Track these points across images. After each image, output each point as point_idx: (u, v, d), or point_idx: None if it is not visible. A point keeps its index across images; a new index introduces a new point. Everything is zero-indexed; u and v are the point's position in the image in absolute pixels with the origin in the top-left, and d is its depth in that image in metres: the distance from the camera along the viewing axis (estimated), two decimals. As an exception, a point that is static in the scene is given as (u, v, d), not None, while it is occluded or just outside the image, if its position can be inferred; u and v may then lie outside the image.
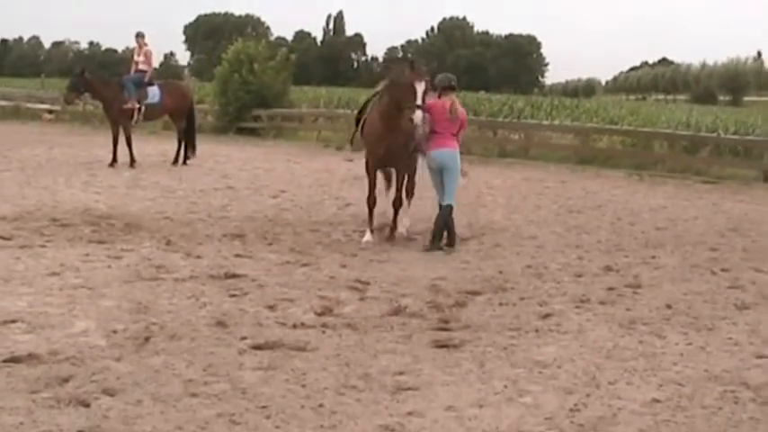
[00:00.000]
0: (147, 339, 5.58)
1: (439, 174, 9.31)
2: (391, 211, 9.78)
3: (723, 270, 8.48)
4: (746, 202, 14.20)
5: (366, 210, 9.60)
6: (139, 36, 17.24)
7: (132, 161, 16.29)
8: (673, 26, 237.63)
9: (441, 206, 9.26)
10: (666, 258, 9.01)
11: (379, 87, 9.75)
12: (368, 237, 9.34)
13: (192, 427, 4.27)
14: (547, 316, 6.54)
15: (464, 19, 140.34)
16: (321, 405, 4.58)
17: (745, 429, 4.49)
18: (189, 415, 4.40)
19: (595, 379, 5.12)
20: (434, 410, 4.56)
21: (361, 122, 9.50)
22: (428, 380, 5.02)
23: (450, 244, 9.17)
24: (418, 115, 8.51)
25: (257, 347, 5.52)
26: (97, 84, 16.90)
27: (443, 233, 9.16)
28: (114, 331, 5.73)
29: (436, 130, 9.13)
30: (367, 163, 9.59)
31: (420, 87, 8.57)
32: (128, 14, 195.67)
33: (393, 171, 9.82)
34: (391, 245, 9.36)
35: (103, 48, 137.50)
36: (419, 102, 8.56)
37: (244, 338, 5.69)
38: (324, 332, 5.92)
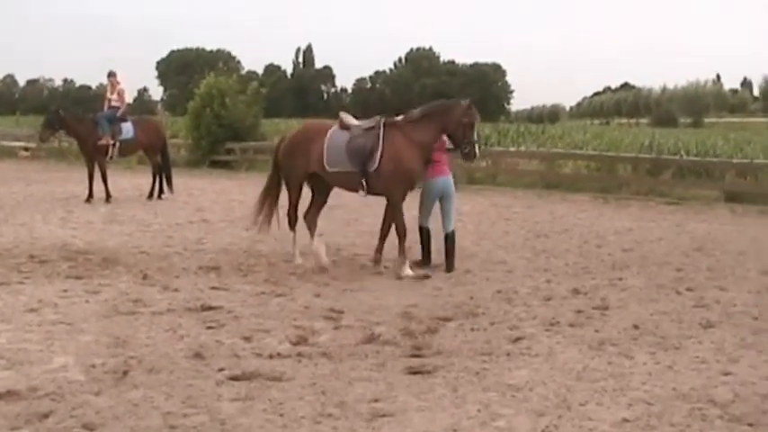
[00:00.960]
0: (125, 373, 5.62)
1: (435, 200, 9.76)
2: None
3: (688, 290, 8.64)
4: (709, 222, 14.50)
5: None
6: (111, 75, 17.35)
7: (108, 196, 16.40)
8: (633, 52, 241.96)
9: (446, 236, 9.76)
10: (633, 279, 9.17)
11: (369, 122, 9.68)
12: (409, 271, 9.34)
13: (172, 460, 4.33)
14: (517, 340, 6.63)
15: (430, 49, 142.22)
16: (299, 434, 4.63)
17: (713, 446, 4.60)
18: (169, 447, 4.46)
19: (566, 401, 5.20)
20: (410, 436, 4.63)
21: (379, 156, 9.34)
22: (402, 406, 5.07)
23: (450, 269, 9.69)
24: (477, 149, 9.48)
25: (234, 378, 5.56)
26: (71, 121, 16.95)
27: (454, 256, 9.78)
28: (93, 366, 5.76)
29: (435, 158, 9.59)
30: (399, 198, 9.52)
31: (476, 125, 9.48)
32: (101, 51, 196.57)
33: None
34: (365, 274, 9.46)
35: (77, 85, 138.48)
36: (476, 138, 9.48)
37: (221, 370, 5.74)
38: (299, 362, 5.98)
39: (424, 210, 9.81)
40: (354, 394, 5.28)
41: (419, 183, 9.72)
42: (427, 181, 9.68)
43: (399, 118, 9.69)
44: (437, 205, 9.80)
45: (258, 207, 10.39)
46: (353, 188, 9.70)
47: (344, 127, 9.74)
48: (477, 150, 9.47)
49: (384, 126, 9.52)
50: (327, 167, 9.64)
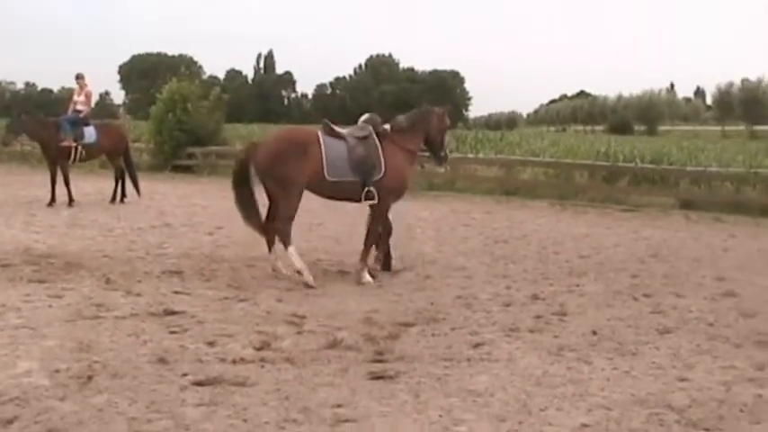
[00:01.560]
0: (89, 378, 5.62)
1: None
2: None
3: (645, 296, 8.76)
4: (664, 228, 14.72)
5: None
6: (79, 77, 17.32)
7: (70, 200, 16.36)
8: (589, 60, 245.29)
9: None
10: (590, 286, 9.30)
11: (359, 130, 9.53)
12: (368, 277, 9.38)
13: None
14: (478, 345, 6.69)
15: (390, 56, 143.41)
16: (263, 439, 4.67)
17: (671, 451, 4.69)
18: (134, 452, 4.47)
19: (527, 406, 5.27)
20: (373, 441, 4.69)
21: (383, 169, 9.30)
22: (365, 412, 5.12)
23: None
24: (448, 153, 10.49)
25: (198, 383, 5.57)
26: (34, 124, 16.88)
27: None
28: (57, 371, 5.75)
29: None
30: (388, 208, 9.65)
31: None
32: (63, 55, 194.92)
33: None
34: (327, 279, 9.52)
35: (39, 88, 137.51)
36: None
37: (185, 375, 5.75)
38: (263, 367, 6.00)
39: None
40: (317, 399, 5.32)
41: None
42: None
43: (386, 126, 9.62)
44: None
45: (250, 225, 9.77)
46: (345, 197, 9.51)
47: (333, 134, 9.42)
48: (448, 154, 10.44)
49: (377, 136, 9.48)
50: (328, 177, 9.17)
